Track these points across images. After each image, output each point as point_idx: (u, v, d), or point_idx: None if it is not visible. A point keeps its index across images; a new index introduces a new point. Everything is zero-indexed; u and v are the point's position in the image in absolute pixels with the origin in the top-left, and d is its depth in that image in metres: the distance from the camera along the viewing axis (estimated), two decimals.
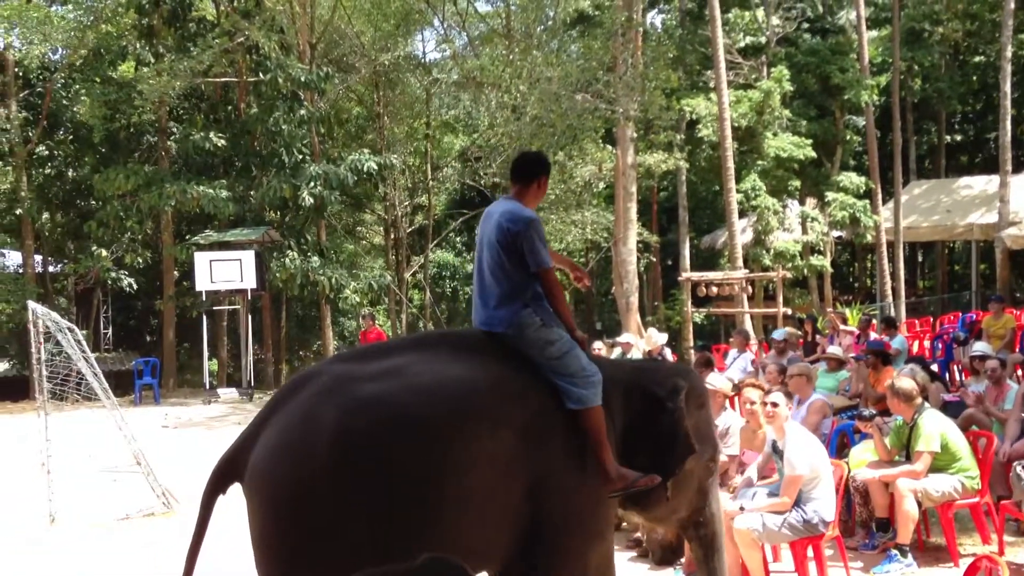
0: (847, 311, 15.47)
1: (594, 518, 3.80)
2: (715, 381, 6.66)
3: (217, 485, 3.65)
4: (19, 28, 18.92)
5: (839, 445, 7.01)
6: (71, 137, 22.57)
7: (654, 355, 12.60)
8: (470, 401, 3.53)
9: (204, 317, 18.70)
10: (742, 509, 5.48)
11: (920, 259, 31.46)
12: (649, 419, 4.00)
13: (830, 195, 21.13)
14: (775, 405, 5.65)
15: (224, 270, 17.16)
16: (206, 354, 19.01)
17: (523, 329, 3.80)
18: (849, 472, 6.14)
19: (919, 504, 5.82)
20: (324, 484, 3.26)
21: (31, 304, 9.52)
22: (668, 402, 4.01)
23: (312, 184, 18.81)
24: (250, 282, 17.28)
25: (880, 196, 22.03)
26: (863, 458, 6.44)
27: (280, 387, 4.03)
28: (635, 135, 18.06)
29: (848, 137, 23.33)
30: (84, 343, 9.13)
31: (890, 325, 10.97)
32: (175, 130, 21.24)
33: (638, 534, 6.69)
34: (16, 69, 20.96)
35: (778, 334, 11.63)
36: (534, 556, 3.66)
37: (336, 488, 3.26)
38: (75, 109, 22.52)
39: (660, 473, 3.90)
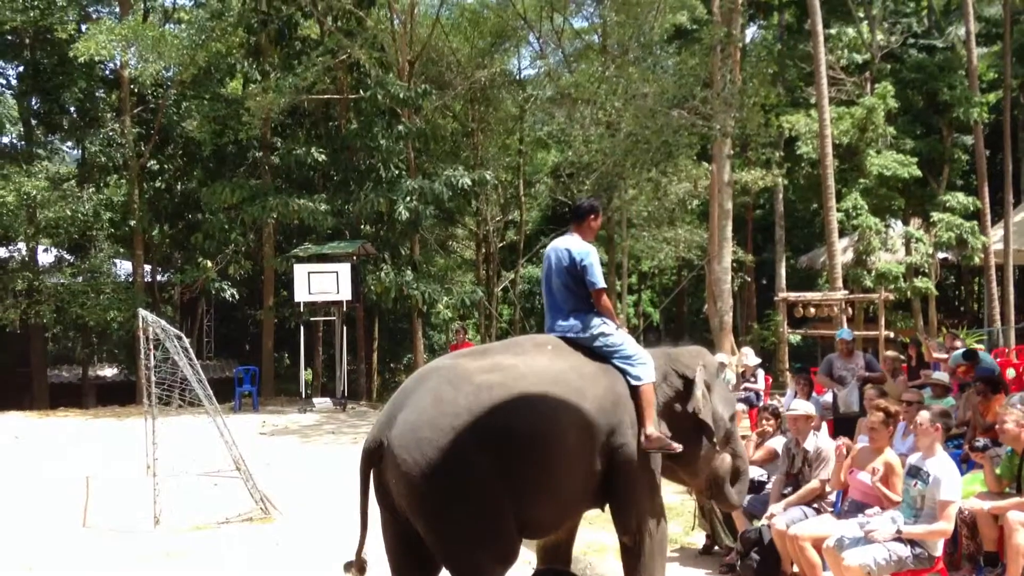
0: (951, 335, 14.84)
1: (648, 472, 4.88)
2: (799, 406, 6.49)
3: (368, 463, 4.50)
4: (135, 47, 19.79)
5: None
6: (181, 152, 23.46)
7: (747, 376, 12.41)
8: (562, 380, 4.64)
9: (301, 328, 19.16)
10: (897, 533, 5.28)
11: None
12: (684, 395, 5.13)
13: (936, 215, 20.41)
14: (943, 423, 5.50)
15: (321, 282, 17.57)
16: (303, 364, 19.48)
17: (589, 329, 4.94)
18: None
19: None
20: (462, 450, 4.28)
21: (142, 312, 9.93)
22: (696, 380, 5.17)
23: (408, 199, 19.13)
24: (346, 294, 17.65)
25: (989, 217, 21.16)
26: (971, 489, 6.18)
27: (411, 376, 4.86)
28: (732, 152, 17.80)
29: (956, 156, 22.51)
30: (191, 350, 9.44)
31: (970, 359, 10.17)
32: (278, 145, 21.90)
33: (730, 558, 6.58)
34: (131, 86, 21.95)
35: (845, 334, 11.16)
36: (614, 505, 4.84)
37: (472, 453, 4.30)
38: (185, 125, 23.46)
39: (700, 431, 5.11)
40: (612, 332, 4.96)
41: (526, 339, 5.26)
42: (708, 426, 5.16)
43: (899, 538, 5.25)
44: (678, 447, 4.85)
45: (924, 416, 5.58)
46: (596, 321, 4.96)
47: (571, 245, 5.05)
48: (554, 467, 4.51)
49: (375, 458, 4.44)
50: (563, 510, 4.75)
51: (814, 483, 6.18)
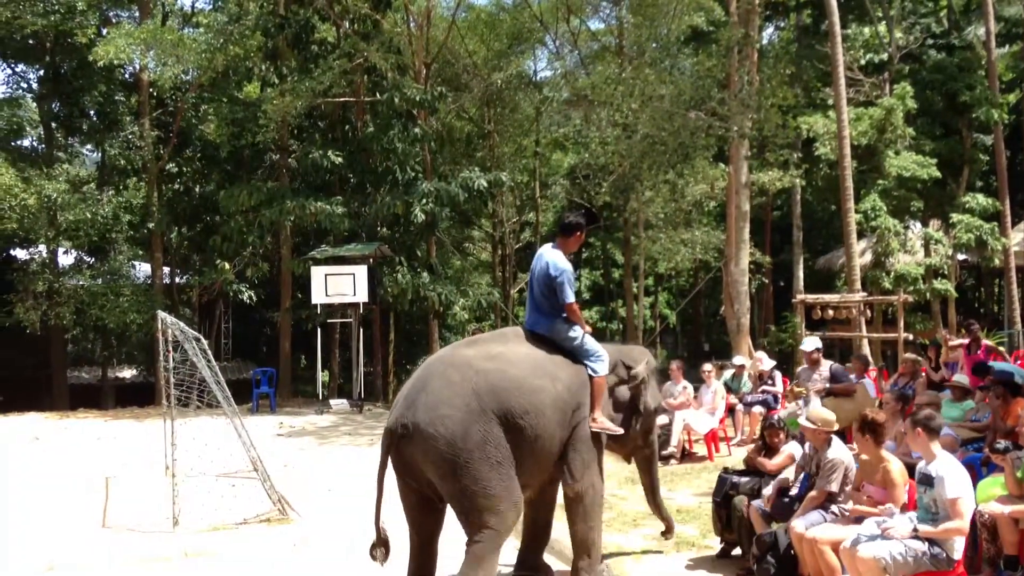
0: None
1: (597, 442, 6.10)
2: (822, 413, 6.40)
3: (390, 444, 5.52)
4: (155, 51, 19.92)
5: None
6: (199, 154, 23.58)
7: (764, 379, 12.34)
8: (540, 365, 5.80)
9: (318, 330, 19.20)
10: (914, 532, 5.26)
11: None
12: (626, 383, 6.42)
13: (955, 216, 20.28)
14: (924, 426, 5.43)
15: (338, 284, 17.61)
16: (320, 366, 19.53)
17: (558, 330, 6.06)
18: (976, 506, 5.84)
19: None
20: (475, 421, 5.39)
21: (161, 314, 10.00)
22: (638, 372, 6.46)
23: (424, 201, 19.16)
24: (362, 296, 17.69)
25: (1009, 218, 21.01)
26: (991, 492, 6.12)
27: (418, 370, 5.89)
28: (749, 153, 17.73)
29: (975, 157, 22.35)
30: (209, 352, 9.49)
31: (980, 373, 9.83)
32: (295, 148, 21.98)
33: (750, 565, 6.53)
34: (150, 89, 22.11)
35: (808, 345, 10.85)
36: (569, 463, 5.91)
37: (483, 423, 5.40)
38: (203, 127, 23.54)
39: (634, 415, 6.47)
40: (578, 336, 6.06)
41: (509, 331, 6.35)
42: (641, 411, 6.51)
43: (916, 536, 5.22)
44: (620, 430, 6.20)
45: (906, 423, 5.55)
46: (565, 326, 6.06)
47: (551, 258, 6.08)
48: (538, 435, 5.62)
49: (398, 437, 5.44)
50: (537, 471, 5.85)
51: (813, 492, 6.14)
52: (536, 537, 6.53)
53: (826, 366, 10.59)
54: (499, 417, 5.46)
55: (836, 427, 6.34)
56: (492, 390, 5.49)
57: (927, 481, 5.36)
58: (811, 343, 10.83)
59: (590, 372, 5.99)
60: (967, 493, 5.28)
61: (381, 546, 5.61)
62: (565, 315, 6.07)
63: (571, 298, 6.04)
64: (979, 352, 11.00)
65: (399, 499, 5.73)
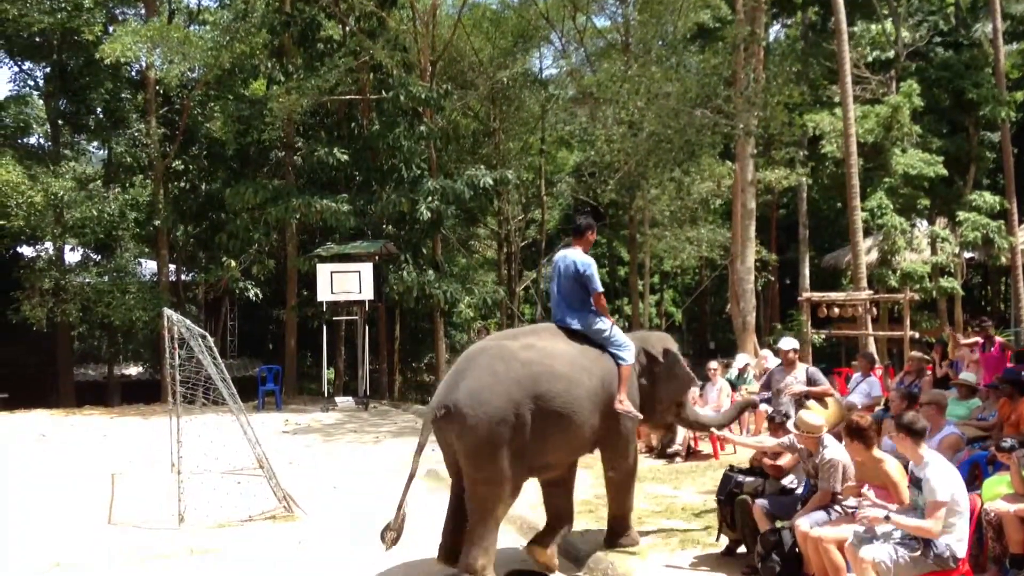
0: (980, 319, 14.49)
1: (630, 426, 6.79)
2: (809, 418, 6.37)
3: (431, 423, 6.06)
4: (161, 48, 19.93)
5: (971, 476, 6.65)
6: (205, 152, 23.59)
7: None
8: (576, 360, 6.38)
9: (324, 327, 19.22)
10: (887, 518, 5.27)
11: None
12: (649, 369, 7.06)
13: (962, 214, 20.21)
14: (907, 430, 5.40)
15: (344, 282, 17.64)
16: (325, 363, 19.56)
17: (589, 323, 6.68)
18: (982, 505, 5.82)
19: None
20: (513, 410, 5.93)
21: (167, 311, 10.00)
22: (660, 359, 7.11)
23: (430, 199, 19.15)
24: (368, 294, 17.71)
25: (1016, 216, 20.92)
26: (997, 491, 6.09)
27: (462, 355, 6.44)
28: (755, 151, 17.69)
29: (982, 154, 22.25)
30: (215, 349, 9.49)
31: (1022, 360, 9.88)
32: (301, 146, 22.00)
33: (755, 563, 6.52)
34: (157, 87, 22.13)
35: (785, 343, 10.30)
36: (605, 447, 6.78)
37: (520, 413, 5.95)
38: (209, 125, 23.57)
39: (660, 396, 7.11)
40: (606, 327, 6.69)
41: (543, 327, 6.92)
42: (664, 395, 7.12)
43: (912, 539, 5.22)
44: (640, 415, 6.70)
45: (889, 425, 5.52)
46: (594, 318, 6.69)
47: (576, 257, 6.73)
48: (572, 424, 6.22)
49: (439, 417, 5.93)
50: (570, 455, 6.58)
51: (817, 494, 6.13)
52: (560, 523, 6.79)
53: (802, 369, 10.28)
54: (537, 407, 6.00)
55: (824, 431, 6.31)
56: (534, 381, 6.03)
57: (917, 484, 5.34)
58: (788, 342, 10.48)
59: (618, 361, 6.57)
60: (952, 496, 5.21)
61: (393, 531, 5.93)
62: (594, 308, 6.67)
63: (600, 288, 6.72)
64: (993, 350, 10.94)
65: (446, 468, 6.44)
